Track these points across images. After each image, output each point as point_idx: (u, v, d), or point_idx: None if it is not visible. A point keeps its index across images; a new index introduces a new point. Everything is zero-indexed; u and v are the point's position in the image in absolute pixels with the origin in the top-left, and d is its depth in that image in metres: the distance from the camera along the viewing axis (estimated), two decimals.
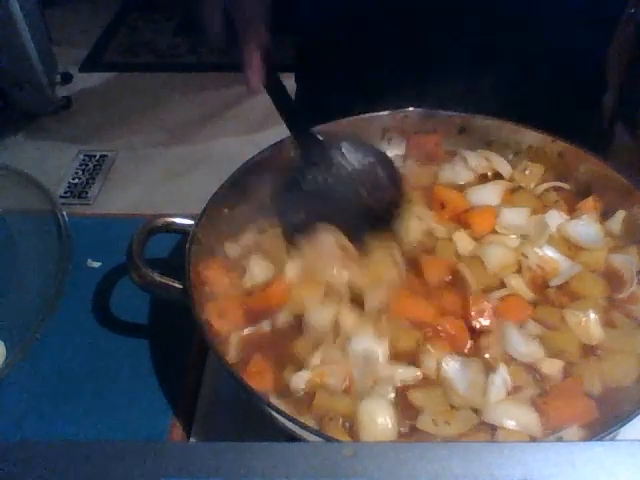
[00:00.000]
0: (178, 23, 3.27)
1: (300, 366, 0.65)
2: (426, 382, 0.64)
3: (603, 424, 0.59)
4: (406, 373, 0.64)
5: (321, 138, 0.75)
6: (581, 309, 0.68)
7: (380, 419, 0.60)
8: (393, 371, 0.64)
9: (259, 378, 0.64)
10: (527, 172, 0.82)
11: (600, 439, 0.56)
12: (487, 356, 0.65)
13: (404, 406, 0.62)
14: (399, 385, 0.63)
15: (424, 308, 0.69)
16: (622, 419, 0.57)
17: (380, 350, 0.65)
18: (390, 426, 0.60)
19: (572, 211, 0.79)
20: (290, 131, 0.76)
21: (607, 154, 1.00)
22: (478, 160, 0.84)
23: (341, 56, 0.96)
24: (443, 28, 0.84)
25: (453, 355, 0.65)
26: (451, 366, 0.63)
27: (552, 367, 0.64)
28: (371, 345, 0.65)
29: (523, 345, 0.65)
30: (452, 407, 0.62)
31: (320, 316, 0.67)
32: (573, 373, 0.64)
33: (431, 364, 0.64)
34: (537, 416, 0.60)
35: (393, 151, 0.86)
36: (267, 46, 0.72)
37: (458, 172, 0.83)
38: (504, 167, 0.84)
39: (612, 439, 0.58)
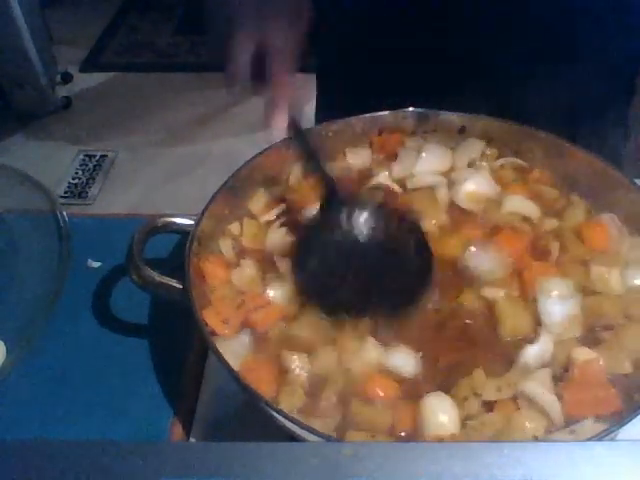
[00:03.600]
0: (178, 22, 3.28)
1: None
2: None
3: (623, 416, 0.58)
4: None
5: (342, 197, 0.72)
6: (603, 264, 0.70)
7: (442, 416, 0.60)
8: None
9: (264, 382, 0.63)
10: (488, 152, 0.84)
11: (600, 439, 0.56)
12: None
13: None
14: None
15: None
16: (622, 419, 0.57)
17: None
18: (450, 423, 0.60)
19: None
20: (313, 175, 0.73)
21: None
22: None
23: (357, 57, 0.96)
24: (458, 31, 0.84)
25: None
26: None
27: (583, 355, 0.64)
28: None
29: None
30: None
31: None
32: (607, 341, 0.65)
33: None
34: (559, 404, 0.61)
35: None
36: (294, 87, 0.70)
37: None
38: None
39: (612, 439, 0.58)
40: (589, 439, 0.57)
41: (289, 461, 0.41)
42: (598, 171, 0.78)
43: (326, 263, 0.71)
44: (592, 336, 0.66)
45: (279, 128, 0.70)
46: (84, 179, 2.43)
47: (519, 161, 0.83)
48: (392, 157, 0.85)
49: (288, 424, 0.58)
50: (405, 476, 0.40)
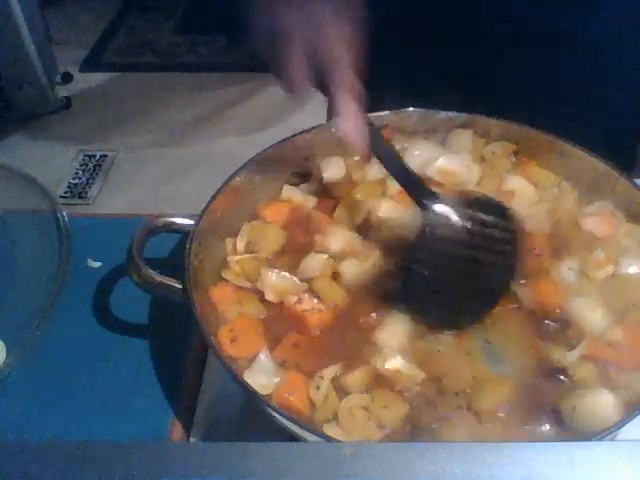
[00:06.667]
0: (178, 22, 3.28)
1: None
2: None
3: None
4: None
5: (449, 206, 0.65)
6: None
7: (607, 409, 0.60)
8: None
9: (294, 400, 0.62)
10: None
11: (600, 439, 0.56)
12: None
13: None
14: None
15: None
16: (622, 419, 0.57)
17: None
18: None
19: None
20: (414, 200, 0.66)
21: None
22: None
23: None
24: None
25: None
26: None
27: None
28: None
29: None
30: None
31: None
32: None
33: None
34: None
35: None
36: (362, 96, 0.65)
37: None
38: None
39: (612, 439, 0.58)
40: (589, 439, 0.57)
41: (289, 461, 0.41)
42: (599, 171, 0.78)
43: (439, 272, 0.65)
44: None
45: (349, 134, 0.65)
46: (84, 179, 2.43)
47: (507, 144, 0.83)
48: None
49: (288, 424, 0.58)
50: (405, 476, 0.40)
